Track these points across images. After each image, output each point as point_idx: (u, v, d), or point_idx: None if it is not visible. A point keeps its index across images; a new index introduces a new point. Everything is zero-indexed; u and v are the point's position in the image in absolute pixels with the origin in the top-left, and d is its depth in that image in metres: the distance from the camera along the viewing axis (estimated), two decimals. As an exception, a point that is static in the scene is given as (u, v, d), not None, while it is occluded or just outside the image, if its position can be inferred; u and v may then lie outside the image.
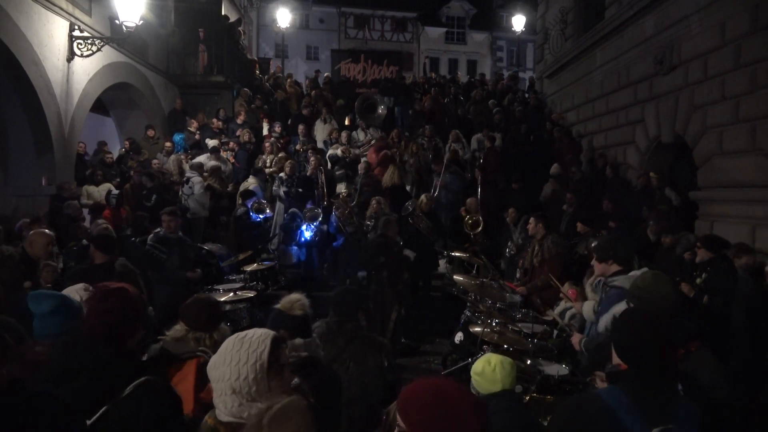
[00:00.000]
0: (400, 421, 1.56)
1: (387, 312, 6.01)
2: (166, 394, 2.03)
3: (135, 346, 2.24)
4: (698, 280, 5.13)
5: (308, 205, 8.85)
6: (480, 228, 8.02)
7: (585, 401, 2.01)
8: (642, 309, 2.69)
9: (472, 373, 2.70)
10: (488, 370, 2.62)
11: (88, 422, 1.90)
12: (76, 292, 2.88)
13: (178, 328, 2.86)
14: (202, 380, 2.61)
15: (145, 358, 2.67)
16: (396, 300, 6.13)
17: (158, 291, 5.44)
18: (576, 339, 3.61)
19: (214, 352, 2.70)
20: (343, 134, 11.28)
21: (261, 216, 8.56)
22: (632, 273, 3.34)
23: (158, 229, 6.10)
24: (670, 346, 1.95)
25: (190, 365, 2.69)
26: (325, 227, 8.64)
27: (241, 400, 1.67)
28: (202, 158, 10.39)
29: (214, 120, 12.03)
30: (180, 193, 9.33)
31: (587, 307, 4.22)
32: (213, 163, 10.05)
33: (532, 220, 6.13)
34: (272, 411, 1.50)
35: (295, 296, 2.83)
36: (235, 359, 1.69)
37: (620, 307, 3.20)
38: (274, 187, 9.73)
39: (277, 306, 2.81)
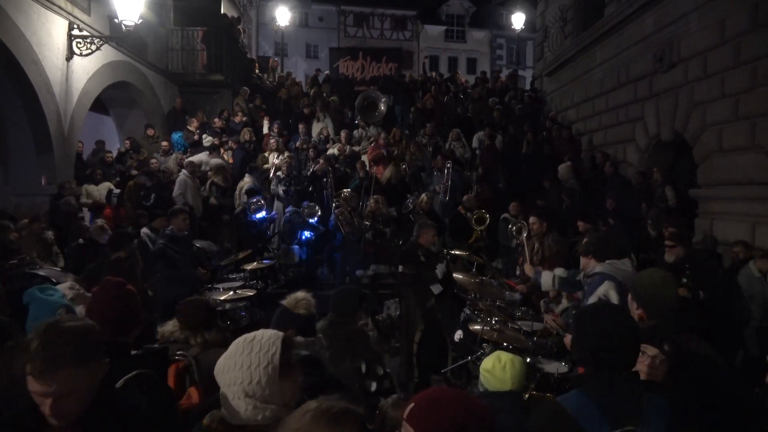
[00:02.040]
0: (409, 429, 1.51)
1: (411, 333, 5.25)
2: (159, 388, 2.04)
3: (131, 342, 2.25)
4: (684, 280, 5.08)
5: (305, 203, 8.86)
6: (486, 223, 8.03)
7: (548, 411, 1.95)
8: (606, 305, 2.69)
9: (482, 368, 2.69)
10: (498, 368, 2.60)
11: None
12: (68, 289, 2.91)
13: (169, 326, 2.86)
14: (181, 386, 2.60)
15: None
16: (422, 319, 5.30)
17: (166, 290, 5.39)
18: (568, 339, 3.61)
19: (203, 352, 2.70)
20: (343, 133, 11.26)
21: (257, 215, 8.54)
22: (611, 261, 3.40)
23: (162, 229, 6.08)
24: (629, 343, 1.83)
25: (170, 370, 2.66)
26: (322, 227, 8.64)
27: (255, 403, 1.66)
28: (200, 156, 10.39)
29: (216, 119, 12.02)
30: None
31: (545, 277, 4.44)
32: (216, 160, 10.04)
33: (534, 218, 6.10)
34: (328, 409, 1.44)
35: (300, 294, 2.82)
36: (246, 363, 1.67)
37: (604, 288, 3.22)
38: (272, 186, 9.74)
39: (283, 302, 2.81)
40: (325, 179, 9.63)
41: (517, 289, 5.91)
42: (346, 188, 9.26)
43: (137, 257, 4.89)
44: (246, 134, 11.35)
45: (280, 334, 1.80)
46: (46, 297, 2.66)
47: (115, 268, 3.74)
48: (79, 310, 2.79)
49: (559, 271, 4.54)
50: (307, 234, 8.43)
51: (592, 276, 3.47)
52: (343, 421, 1.39)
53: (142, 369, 2.01)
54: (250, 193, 9.07)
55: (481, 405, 1.55)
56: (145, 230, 6.38)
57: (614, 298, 3.18)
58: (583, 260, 3.69)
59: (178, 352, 2.71)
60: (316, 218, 8.57)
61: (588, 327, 1.89)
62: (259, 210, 8.54)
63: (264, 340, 1.72)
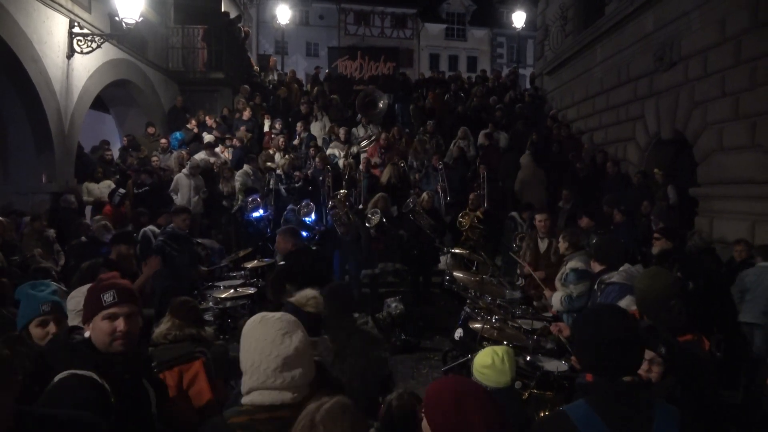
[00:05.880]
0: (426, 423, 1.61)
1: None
2: (83, 390, 1.88)
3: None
4: (676, 273, 5.12)
5: (303, 202, 8.85)
6: (467, 227, 8.08)
7: (553, 420, 1.89)
8: (607, 307, 2.67)
9: (478, 366, 2.69)
10: (497, 362, 2.64)
11: None
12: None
13: (163, 327, 2.81)
14: (209, 378, 2.62)
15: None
16: None
17: (164, 288, 5.38)
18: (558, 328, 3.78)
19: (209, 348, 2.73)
20: (342, 131, 11.25)
21: (254, 214, 8.53)
22: (623, 269, 3.59)
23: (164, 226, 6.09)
24: (632, 345, 1.76)
25: (197, 365, 2.65)
26: (318, 226, 8.63)
27: None
28: (201, 154, 10.37)
29: (218, 118, 12.03)
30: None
31: (555, 298, 4.63)
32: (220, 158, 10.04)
33: (543, 216, 5.94)
34: (325, 407, 1.49)
35: (310, 292, 2.78)
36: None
37: (626, 303, 3.23)
38: (272, 184, 9.72)
39: (291, 299, 2.77)
40: (322, 179, 9.62)
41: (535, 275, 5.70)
42: (342, 188, 9.25)
43: (131, 257, 4.89)
44: (245, 133, 11.33)
45: None
46: (35, 293, 2.63)
47: (111, 265, 3.72)
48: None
49: (564, 291, 4.63)
50: (303, 233, 8.40)
51: (609, 284, 3.59)
52: (349, 412, 1.49)
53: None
54: (248, 191, 9.07)
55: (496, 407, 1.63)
56: (150, 227, 6.41)
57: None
58: (591, 262, 4.06)
59: (198, 349, 2.70)
60: (313, 217, 8.55)
61: (590, 331, 1.82)
62: (255, 209, 8.54)
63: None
